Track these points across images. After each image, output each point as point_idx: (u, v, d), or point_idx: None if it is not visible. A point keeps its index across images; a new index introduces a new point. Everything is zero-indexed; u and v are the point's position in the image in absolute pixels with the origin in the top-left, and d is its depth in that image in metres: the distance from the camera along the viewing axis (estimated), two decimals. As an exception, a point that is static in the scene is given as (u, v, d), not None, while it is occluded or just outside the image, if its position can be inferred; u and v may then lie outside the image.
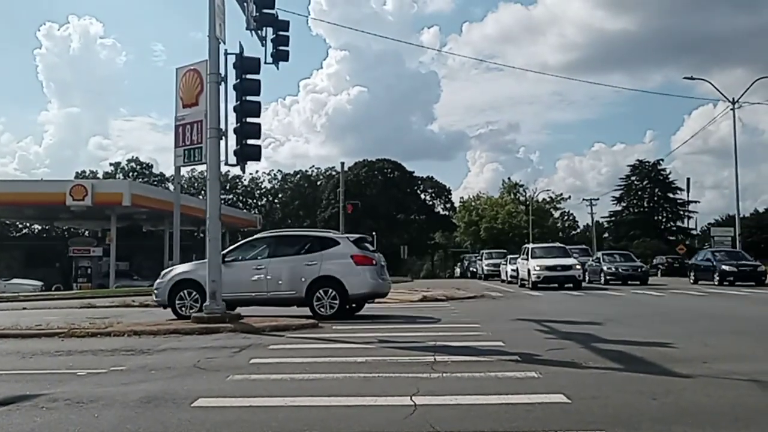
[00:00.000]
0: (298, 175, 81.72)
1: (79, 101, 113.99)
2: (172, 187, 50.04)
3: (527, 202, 68.98)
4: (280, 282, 12.72)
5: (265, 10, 12.33)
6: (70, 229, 52.61)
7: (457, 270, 61.42)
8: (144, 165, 78.20)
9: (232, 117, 12.10)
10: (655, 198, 69.49)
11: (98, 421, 4.69)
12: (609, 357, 7.15)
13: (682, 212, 67.74)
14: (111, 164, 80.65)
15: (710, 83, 37.32)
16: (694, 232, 62.57)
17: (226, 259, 13.10)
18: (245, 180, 79.25)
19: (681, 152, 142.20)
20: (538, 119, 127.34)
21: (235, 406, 5.12)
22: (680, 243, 54.26)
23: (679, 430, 4.18)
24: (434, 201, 79.63)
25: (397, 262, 66.13)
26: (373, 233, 60.39)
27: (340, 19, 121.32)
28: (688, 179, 53.89)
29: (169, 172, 63.49)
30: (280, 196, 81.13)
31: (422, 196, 78.43)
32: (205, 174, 14.05)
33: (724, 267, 25.52)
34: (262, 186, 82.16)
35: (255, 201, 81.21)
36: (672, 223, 69.74)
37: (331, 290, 12.51)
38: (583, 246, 42.12)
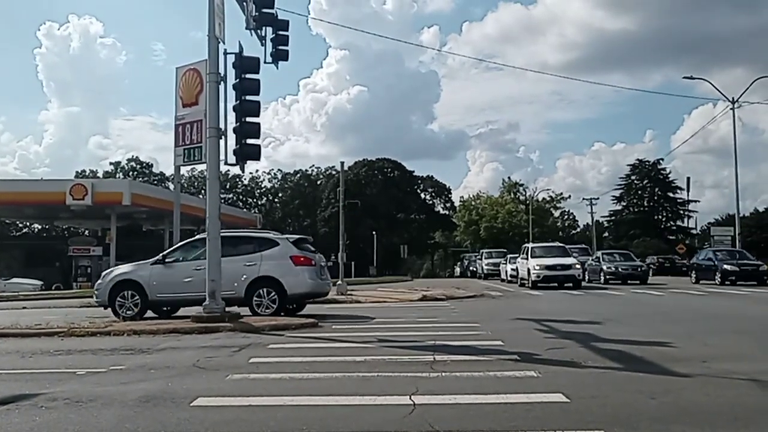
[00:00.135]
0: (298, 175, 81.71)
1: (79, 100, 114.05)
2: (172, 187, 50.05)
3: (527, 202, 68.94)
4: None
5: (265, 10, 12.32)
6: (70, 228, 52.61)
7: (457, 269, 61.42)
8: (144, 164, 78.23)
9: (231, 116, 12.12)
10: (655, 197, 69.50)
11: (97, 421, 4.69)
12: (608, 356, 7.15)
13: (682, 212, 67.74)
14: (111, 163, 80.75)
15: (710, 83, 37.42)
16: (694, 232, 62.63)
17: (166, 260, 13.27)
18: (245, 179, 79.35)
19: (681, 152, 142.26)
20: (538, 119, 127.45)
21: (234, 406, 5.12)
22: (680, 242, 54.24)
23: (678, 429, 4.18)
24: (434, 200, 79.68)
25: (397, 261, 66.30)
26: (373, 232, 60.89)
27: (340, 18, 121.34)
28: (688, 179, 53.87)
29: (169, 171, 63.58)
30: (280, 195, 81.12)
31: (422, 195, 78.47)
32: (205, 173, 14.06)
33: (725, 266, 25.38)
34: (262, 185, 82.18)
35: (255, 200, 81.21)
36: (672, 223, 69.75)
37: (270, 290, 12.63)
38: (583, 245, 42.12)
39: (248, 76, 11.94)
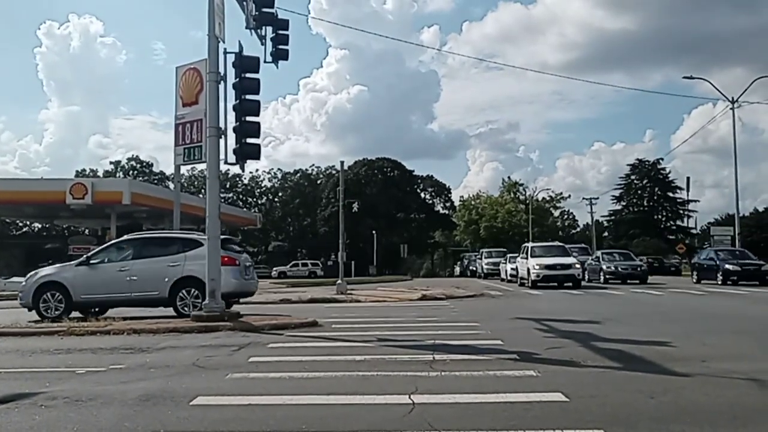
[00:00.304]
0: (298, 174, 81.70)
1: (79, 100, 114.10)
2: (172, 186, 50.03)
3: (527, 201, 68.95)
4: (143, 283, 12.88)
5: (265, 9, 12.32)
6: (70, 227, 52.61)
7: (457, 269, 61.45)
8: (144, 163, 78.26)
9: (231, 116, 12.12)
10: (655, 197, 69.51)
11: (97, 420, 4.69)
12: (608, 356, 7.15)
13: (681, 211, 67.75)
14: (111, 163, 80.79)
15: (710, 83, 37.52)
16: (693, 231, 62.65)
17: (91, 261, 13.32)
18: (245, 179, 79.39)
19: (681, 151, 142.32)
20: (538, 118, 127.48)
21: (233, 405, 5.13)
22: (680, 242, 54.23)
23: (678, 428, 4.18)
24: (434, 200, 79.66)
25: (396, 260, 66.29)
26: (373, 232, 60.87)
27: (340, 18, 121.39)
28: (688, 178, 53.83)
29: (169, 170, 63.54)
30: (280, 194, 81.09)
31: (422, 194, 78.45)
32: (205, 173, 14.07)
33: (727, 266, 25.25)
34: (262, 185, 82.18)
35: (255, 200, 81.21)
36: (672, 222, 69.78)
37: (193, 290, 12.66)
38: (583, 245, 42.13)
39: (248, 75, 11.93)
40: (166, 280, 12.74)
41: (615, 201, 71.52)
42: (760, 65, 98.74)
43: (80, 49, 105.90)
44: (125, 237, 14.75)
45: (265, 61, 12.34)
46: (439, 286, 27.49)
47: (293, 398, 5.25)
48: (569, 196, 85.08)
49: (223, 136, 12.07)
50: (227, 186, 73.37)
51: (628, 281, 28.06)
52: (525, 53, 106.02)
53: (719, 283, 24.87)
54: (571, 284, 24.35)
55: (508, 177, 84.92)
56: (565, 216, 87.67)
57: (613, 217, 72.11)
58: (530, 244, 28.92)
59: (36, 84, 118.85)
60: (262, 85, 11.98)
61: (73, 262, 13.60)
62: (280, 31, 12.57)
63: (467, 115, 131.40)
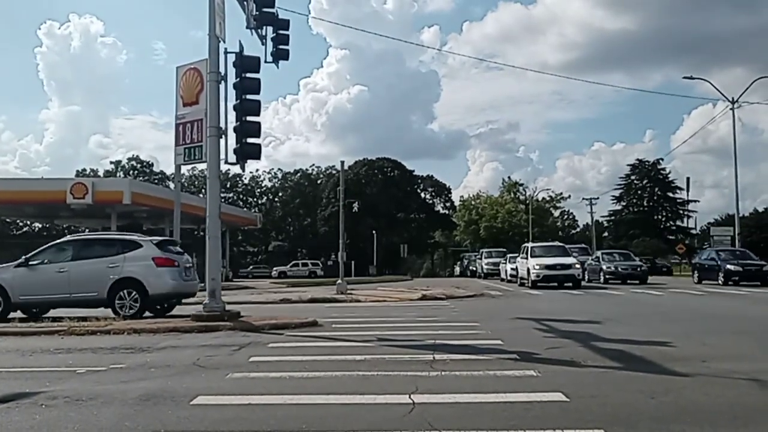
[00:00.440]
0: (299, 174, 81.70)
1: (79, 99, 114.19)
2: (172, 186, 50.04)
3: (527, 201, 68.96)
4: (82, 284, 12.89)
5: (265, 9, 12.32)
6: (70, 227, 52.56)
7: (457, 269, 61.45)
8: (144, 163, 78.27)
9: (232, 115, 12.13)
10: (655, 197, 69.54)
11: (97, 419, 4.69)
12: (608, 356, 7.16)
13: (681, 211, 67.80)
14: (111, 162, 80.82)
15: (710, 83, 37.47)
16: (693, 232, 62.66)
17: (30, 262, 13.34)
18: (246, 178, 79.38)
19: (680, 152, 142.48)
20: (538, 118, 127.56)
21: (234, 404, 5.13)
22: (680, 242, 54.26)
23: (678, 428, 4.18)
24: (434, 200, 79.64)
25: (396, 260, 66.29)
26: (373, 232, 60.85)
27: (341, 18, 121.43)
28: (688, 179, 53.85)
29: (170, 170, 63.60)
30: (280, 194, 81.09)
31: (422, 194, 78.44)
32: (206, 172, 14.07)
33: (729, 266, 25.18)
34: (263, 184, 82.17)
35: (255, 199, 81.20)
36: (671, 223, 69.80)
37: (132, 291, 12.73)
38: (583, 245, 42.13)
39: (249, 75, 11.94)
40: (105, 281, 12.77)
41: (615, 201, 71.65)
42: (760, 65, 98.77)
43: (81, 49, 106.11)
44: (65, 238, 14.75)
45: (265, 61, 12.36)
46: (439, 286, 27.49)
47: (294, 398, 5.25)
48: (569, 196, 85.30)
49: (223, 136, 12.08)
50: (227, 186, 73.37)
51: (628, 281, 28.05)
52: (525, 53, 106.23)
53: (720, 283, 24.81)
54: (571, 284, 24.35)
55: (508, 177, 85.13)
56: (565, 216, 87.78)
57: (613, 218, 72.15)
58: (530, 244, 28.92)
59: (36, 84, 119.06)
60: (262, 85, 12.00)
61: (11, 264, 13.56)
62: (281, 31, 12.57)
63: (467, 115, 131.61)
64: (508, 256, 34.79)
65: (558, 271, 24.71)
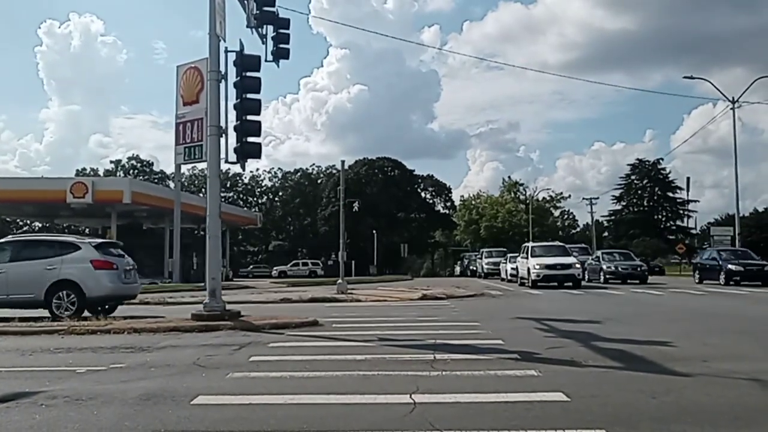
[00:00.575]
0: (299, 174, 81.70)
1: (79, 99, 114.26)
2: (172, 185, 50.05)
3: (527, 201, 68.97)
4: (19, 285, 12.87)
5: (266, 8, 12.32)
6: (70, 226, 52.53)
7: (457, 268, 61.46)
8: (144, 163, 78.28)
9: (232, 115, 12.13)
10: (655, 197, 69.47)
11: (97, 419, 4.68)
12: (608, 356, 7.15)
13: (681, 211, 67.71)
14: (111, 162, 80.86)
15: (710, 82, 37.50)
16: (693, 232, 62.62)
17: None
18: (246, 178, 79.39)
19: (681, 151, 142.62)
20: (538, 118, 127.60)
21: (234, 404, 5.12)
22: (680, 242, 54.23)
23: (679, 428, 4.17)
24: (434, 199, 79.62)
25: (397, 260, 66.29)
26: (374, 231, 60.82)
27: (341, 17, 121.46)
28: (688, 178, 53.79)
29: (170, 169, 63.53)
30: (280, 194, 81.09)
31: (422, 194, 78.41)
32: (206, 172, 14.07)
33: (730, 266, 25.09)
34: (263, 184, 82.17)
35: (255, 199, 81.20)
36: (671, 223, 69.72)
37: (69, 293, 12.75)
38: (583, 245, 42.13)
39: (249, 74, 11.93)
40: (42, 282, 12.75)
41: (615, 201, 71.52)
42: (759, 65, 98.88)
43: (81, 48, 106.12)
44: (4, 239, 14.71)
45: (265, 60, 12.35)
46: (440, 285, 27.48)
47: (294, 398, 5.24)
48: (569, 196, 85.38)
49: (223, 135, 12.07)
50: (228, 185, 73.38)
51: (628, 281, 28.05)
52: (525, 53, 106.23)
53: (722, 283, 24.73)
54: (571, 284, 24.34)
55: (509, 177, 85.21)
56: (565, 216, 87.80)
57: (613, 217, 72.06)
58: (530, 244, 28.91)
59: (36, 83, 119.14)
60: (262, 84, 11.99)
61: None
62: (281, 30, 12.56)
63: (467, 115, 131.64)
64: (509, 255, 34.80)
65: (558, 270, 24.70)
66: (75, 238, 14.56)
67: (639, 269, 28.98)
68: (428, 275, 65.31)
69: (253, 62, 11.99)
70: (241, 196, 79.76)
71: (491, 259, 40.37)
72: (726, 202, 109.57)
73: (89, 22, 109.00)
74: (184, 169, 51.54)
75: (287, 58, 12.63)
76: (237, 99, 11.92)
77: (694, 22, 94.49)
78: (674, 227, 68.95)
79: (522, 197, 74.99)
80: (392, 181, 73.22)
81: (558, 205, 77.83)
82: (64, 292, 12.77)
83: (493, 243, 58.62)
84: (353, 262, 48.82)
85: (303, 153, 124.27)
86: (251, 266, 67.84)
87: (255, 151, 12.26)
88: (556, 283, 24.48)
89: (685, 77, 61.58)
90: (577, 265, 25.40)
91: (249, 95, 11.92)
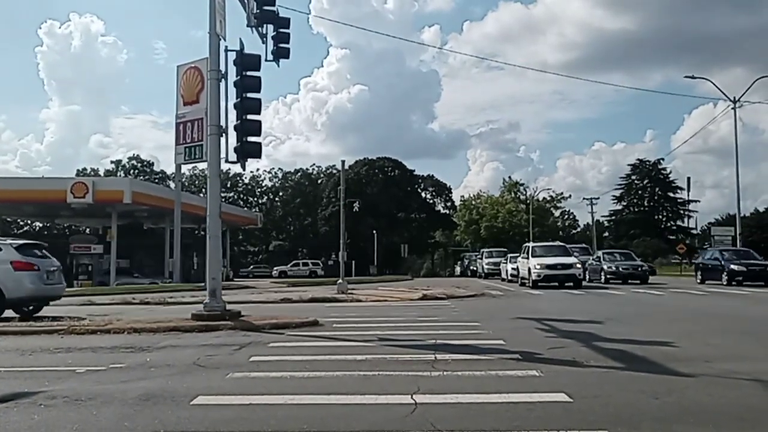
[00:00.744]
0: (299, 174, 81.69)
1: (80, 99, 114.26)
2: (173, 185, 50.03)
3: (527, 201, 68.95)
4: None
5: (266, 7, 12.31)
6: (71, 226, 52.64)
7: (458, 268, 61.41)
8: (145, 163, 78.22)
9: (232, 114, 12.10)
10: (656, 197, 69.55)
11: (96, 419, 4.66)
12: (610, 356, 7.12)
13: (682, 211, 67.77)
14: (112, 162, 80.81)
15: (711, 82, 37.51)
16: (694, 232, 62.66)
17: None
18: (246, 178, 79.41)
19: (681, 151, 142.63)
20: (538, 118, 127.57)
21: (234, 404, 5.09)
22: (680, 242, 54.20)
23: (682, 429, 4.15)
24: (435, 199, 79.59)
25: (397, 260, 66.27)
26: (374, 231, 60.79)
27: (341, 17, 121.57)
28: (689, 178, 53.68)
29: (170, 169, 63.53)
30: (280, 194, 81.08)
31: (423, 194, 78.39)
32: (206, 172, 14.06)
33: (732, 266, 24.93)
34: (263, 184, 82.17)
35: (256, 199, 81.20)
36: (672, 223, 69.81)
37: None
38: (584, 245, 42.08)
39: (249, 73, 11.91)
40: None
41: (615, 201, 71.65)
42: (760, 65, 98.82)
43: (81, 49, 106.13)
44: None
45: (266, 60, 12.34)
46: (440, 285, 27.45)
47: (294, 398, 5.21)
48: (570, 196, 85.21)
49: (224, 135, 12.05)
50: (228, 185, 73.40)
51: (629, 281, 28.00)
52: (525, 53, 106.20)
53: (724, 283, 24.58)
54: (572, 284, 24.28)
55: (509, 177, 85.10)
56: (566, 216, 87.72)
57: (613, 217, 72.14)
58: (531, 244, 28.86)
59: (37, 83, 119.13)
60: (262, 84, 11.97)
61: None
62: (281, 30, 12.55)
63: (468, 115, 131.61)
64: (509, 255, 34.75)
65: (559, 270, 24.64)
66: None
67: (640, 269, 28.92)
68: (428, 275, 65.25)
69: (254, 61, 11.97)
70: (242, 196, 79.76)
71: (491, 260, 40.32)
72: (726, 202, 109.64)
73: (89, 23, 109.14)
74: (184, 169, 51.62)
75: (287, 57, 12.61)
76: (237, 98, 11.90)
77: (694, 22, 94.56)
78: (675, 227, 69.04)
79: (522, 197, 74.96)
80: (392, 181, 73.20)
81: (558, 205, 77.81)
82: None
83: (493, 243, 58.58)
84: (353, 262, 48.81)
85: (303, 153, 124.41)
86: (251, 266, 67.86)
87: (255, 151, 12.24)
88: (556, 283, 24.43)
89: (686, 77, 61.46)
90: (578, 265, 25.34)
91: (249, 94, 11.90)
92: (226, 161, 12.32)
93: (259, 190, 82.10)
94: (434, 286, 25.83)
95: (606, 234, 73.29)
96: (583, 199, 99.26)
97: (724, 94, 37.40)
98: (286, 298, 19.19)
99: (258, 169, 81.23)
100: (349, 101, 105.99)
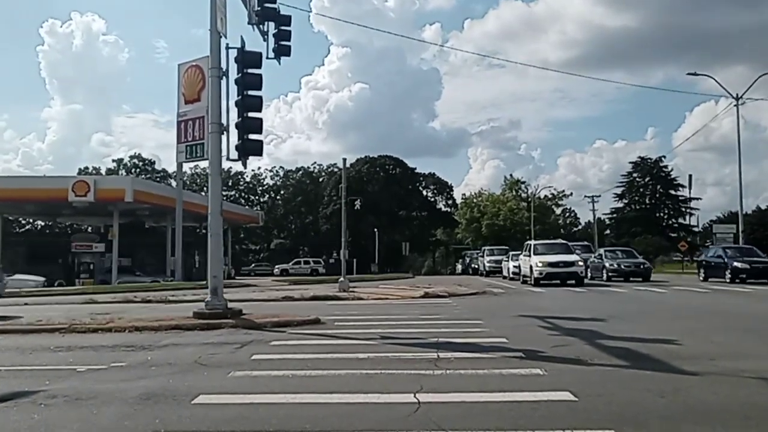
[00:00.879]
0: (300, 172, 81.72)
1: (81, 98, 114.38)
2: (174, 184, 50.03)
3: (529, 199, 68.94)
4: None
5: (267, 5, 12.27)
6: (72, 225, 52.53)
7: (459, 267, 61.41)
8: (146, 161, 78.30)
9: (233, 112, 12.05)
10: (657, 195, 69.41)
11: (97, 418, 4.62)
12: (614, 354, 7.07)
13: (683, 209, 67.57)
14: (113, 161, 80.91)
15: (714, 79, 37.12)
16: (695, 229, 62.53)
17: None
18: (247, 176, 79.57)
19: (683, 149, 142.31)
20: (539, 116, 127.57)
21: (236, 403, 5.05)
22: (682, 240, 54.13)
23: (688, 428, 4.11)
24: (436, 198, 79.61)
25: (398, 258, 66.29)
26: (375, 229, 60.79)
27: (342, 15, 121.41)
28: (690, 176, 53.61)
29: (172, 168, 63.52)
30: (282, 192, 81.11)
31: (424, 192, 78.41)
32: (207, 170, 14.02)
33: (736, 264, 24.73)
34: (264, 182, 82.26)
35: (257, 197, 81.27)
36: (674, 220, 69.68)
37: None
38: (585, 243, 42.03)
39: (250, 71, 11.87)
40: None
41: (617, 199, 71.46)
42: (761, 62, 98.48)
43: (83, 48, 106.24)
44: None
45: (267, 57, 12.30)
46: (441, 283, 27.41)
47: (296, 397, 5.17)
48: (571, 193, 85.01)
49: (225, 132, 12.01)
50: (229, 184, 73.44)
51: (631, 279, 27.95)
52: (526, 51, 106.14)
53: (727, 281, 24.42)
54: (574, 282, 24.22)
55: (510, 175, 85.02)
56: (567, 214, 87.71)
57: (615, 215, 72.01)
58: (533, 242, 28.80)
59: (38, 82, 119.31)
60: (264, 82, 11.93)
61: None
62: (282, 27, 12.52)
63: (469, 113, 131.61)
64: (510, 253, 34.73)
65: (561, 268, 24.57)
66: None
67: (642, 267, 28.87)
68: (430, 273, 65.24)
69: (255, 59, 11.93)
70: (243, 194, 79.81)
71: (493, 257, 40.29)
72: (728, 200, 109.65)
73: (91, 22, 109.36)
74: (185, 167, 51.48)
75: (288, 55, 12.58)
76: (238, 96, 11.86)
77: (696, 20, 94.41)
78: (676, 225, 68.92)
79: (524, 195, 74.94)
80: (393, 179, 73.19)
81: (560, 203, 77.93)
82: None
83: (494, 241, 58.56)
84: (355, 260, 48.80)
85: (304, 151, 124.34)
86: (253, 264, 67.87)
87: (256, 148, 12.20)
88: (558, 281, 24.37)
89: (689, 74, 61.73)
90: (580, 263, 25.28)
91: (250, 92, 11.86)
92: (228, 159, 12.29)
93: (260, 188, 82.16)
94: (436, 284, 25.79)
95: (607, 232, 73.17)
96: (585, 197, 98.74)
97: (726, 91, 37.26)
98: (288, 296, 19.15)
99: (259, 168, 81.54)
100: (350, 99, 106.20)
